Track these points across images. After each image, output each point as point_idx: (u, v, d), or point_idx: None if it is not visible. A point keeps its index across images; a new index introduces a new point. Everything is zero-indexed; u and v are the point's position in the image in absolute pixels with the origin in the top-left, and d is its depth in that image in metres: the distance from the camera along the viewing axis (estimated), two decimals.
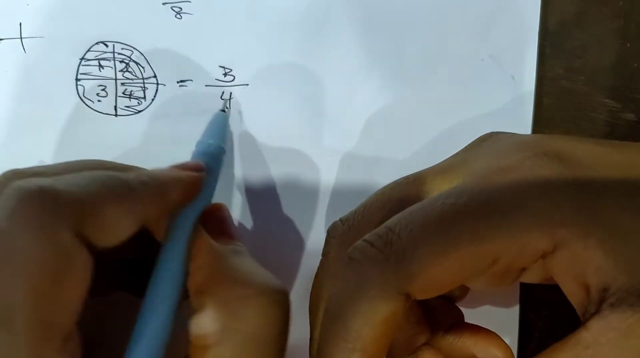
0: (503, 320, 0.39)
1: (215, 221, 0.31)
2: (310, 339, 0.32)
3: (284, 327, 0.28)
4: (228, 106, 0.38)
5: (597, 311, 0.25)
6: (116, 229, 0.26)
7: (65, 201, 0.24)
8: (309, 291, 0.33)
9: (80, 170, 0.28)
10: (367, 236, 0.27)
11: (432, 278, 0.25)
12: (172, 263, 0.29)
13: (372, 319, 0.25)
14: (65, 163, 0.29)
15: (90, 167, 0.28)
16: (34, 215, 0.24)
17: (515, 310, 0.40)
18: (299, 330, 0.39)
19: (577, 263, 0.25)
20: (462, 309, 0.35)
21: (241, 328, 0.27)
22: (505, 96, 0.39)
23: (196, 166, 0.32)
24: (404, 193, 0.31)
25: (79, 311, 0.25)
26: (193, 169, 0.31)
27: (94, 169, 0.28)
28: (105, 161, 0.30)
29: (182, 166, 0.31)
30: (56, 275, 0.24)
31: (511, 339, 0.39)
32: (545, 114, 0.40)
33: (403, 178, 0.32)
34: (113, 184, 0.26)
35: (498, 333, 0.33)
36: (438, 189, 0.30)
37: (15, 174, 0.27)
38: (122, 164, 0.30)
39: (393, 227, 0.26)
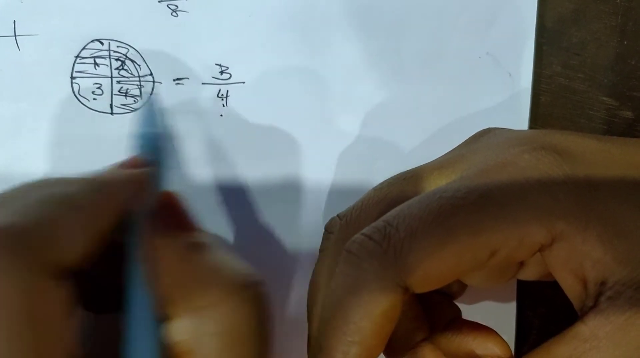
0: (500, 318, 0.39)
1: (170, 213, 0.30)
2: (309, 335, 0.31)
3: (261, 320, 0.28)
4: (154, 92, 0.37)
5: (594, 305, 0.25)
6: (77, 247, 0.24)
7: (19, 237, 0.22)
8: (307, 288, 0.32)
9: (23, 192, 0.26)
10: (365, 230, 0.27)
11: (431, 270, 0.25)
12: (135, 276, 0.27)
13: (371, 312, 0.25)
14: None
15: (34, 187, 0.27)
16: None
17: (513, 308, 0.40)
18: (300, 327, 0.39)
19: (575, 256, 0.25)
20: (460, 308, 0.34)
21: (217, 332, 0.26)
22: (502, 93, 0.39)
23: (139, 161, 0.31)
24: (401, 189, 0.30)
25: (72, 336, 0.24)
26: (137, 166, 0.30)
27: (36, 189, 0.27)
28: (49, 179, 0.28)
29: (126, 164, 0.30)
30: (40, 323, 0.22)
31: (508, 337, 0.39)
32: (543, 112, 0.40)
33: (400, 173, 0.32)
34: (60, 204, 0.25)
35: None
36: (435, 184, 0.30)
37: None
38: (66, 178, 0.28)
39: (391, 221, 0.26)
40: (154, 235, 0.28)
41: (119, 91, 0.38)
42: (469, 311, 0.38)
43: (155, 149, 0.32)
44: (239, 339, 0.27)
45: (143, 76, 0.38)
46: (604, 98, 0.39)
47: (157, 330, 0.27)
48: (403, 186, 0.30)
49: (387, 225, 0.26)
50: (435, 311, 0.33)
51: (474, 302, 0.39)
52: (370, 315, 0.25)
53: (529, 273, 0.33)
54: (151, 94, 0.38)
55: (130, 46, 0.38)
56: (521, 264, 0.33)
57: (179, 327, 0.27)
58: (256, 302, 0.28)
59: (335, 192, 0.39)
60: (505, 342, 0.32)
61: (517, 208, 0.25)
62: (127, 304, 0.27)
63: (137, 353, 0.27)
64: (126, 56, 0.38)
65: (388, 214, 0.27)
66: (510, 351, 0.32)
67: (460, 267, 0.26)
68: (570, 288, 0.26)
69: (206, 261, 0.28)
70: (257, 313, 0.28)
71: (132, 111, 0.38)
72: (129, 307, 0.27)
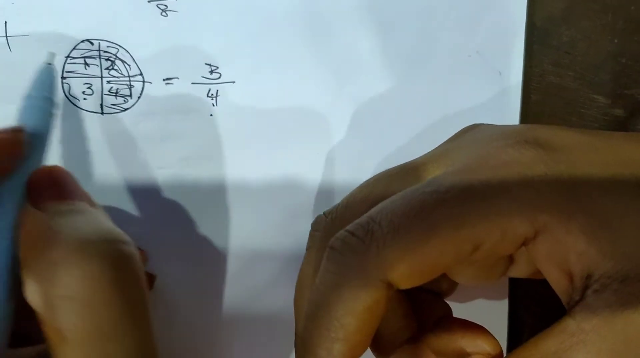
0: (492, 317, 0.39)
1: (48, 186, 0.29)
2: (295, 333, 0.31)
3: (121, 281, 0.26)
4: (53, 61, 0.35)
5: (581, 299, 0.25)
6: None
7: None
8: None
9: None
10: (348, 226, 0.27)
11: (414, 265, 0.25)
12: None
13: (354, 308, 0.25)
14: None
15: None
16: None
17: (505, 306, 0.40)
18: (288, 326, 0.39)
19: (560, 249, 0.25)
20: (452, 306, 0.34)
21: (66, 294, 0.25)
22: (492, 92, 0.39)
23: (16, 128, 0.30)
24: (387, 186, 0.30)
25: None
26: (13, 132, 0.29)
27: None
28: None
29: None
30: None
31: (501, 335, 0.39)
32: (533, 110, 0.40)
33: (386, 170, 0.32)
34: None
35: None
36: (420, 181, 0.30)
37: None
38: None
39: (374, 216, 0.26)
40: (22, 205, 0.27)
41: (109, 91, 0.38)
42: (461, 309, 0.38)
43: (42, 115, 0.32)
44: (93, 302, 0.25)
45: (133, 76, 0.38)
46: (595, 96, 0.39)
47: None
48: (389, 182, 0.30)
49: (370, 220, 0.26)
50: (425, 310, 0.33)
51: (466, 301, 0.39)
52: (353, 311, 0.25)
53: (520, 271, 0.33)
54: (141, 94, 0.38)
55: (120, 45, 0.38)
56: (511, 261, 0.32)
57: (30, 290, 0.26)
58: (114, 262, 0.26)
59: (325, 190, 0.39)
60: (495, 339, 0.32)
61: (499, 201, 0.25)
62: None
63: None
64: (116, 56, 0.38)
65: (372, 210, 0.27)
66: (500, 348, 0.32)
67: (443, 261, 0.26)
68: (557, 282, 0.26)
69: (65, 224, 0.27)
70: (114, 273, 0.26)
71: (123, 110, 0.38)
72: None
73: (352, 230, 0.26)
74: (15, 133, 0.29)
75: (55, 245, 0.26)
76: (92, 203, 0.31)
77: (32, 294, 0.26)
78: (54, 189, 0.29)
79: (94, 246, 0.26)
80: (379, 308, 0.26)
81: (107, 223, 0.28)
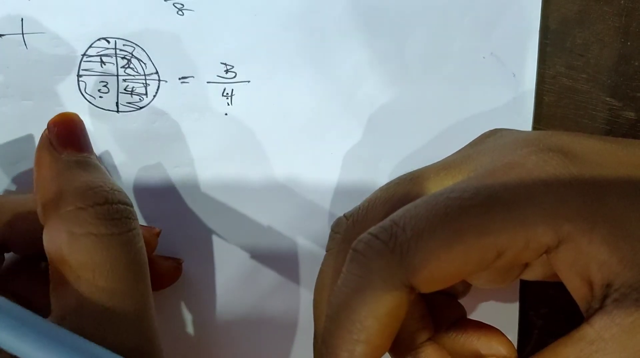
0: (503, 318, 0.40)
1: (66, 134, 0.32)
2: (315, 334, 0.32)
3: (129, 234, 0.30)
4: None
5: (600, 307, 0.25)
6: None
7: None
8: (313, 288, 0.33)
9: None
10: (372, 229, 0.27)
11: (437, 270, 0.25)
12: None
13: (376, 310, 0.25)
14: None
15: None
16: None
17: (515, 307, 0.40)
18: (305, 326, 0.39)
19: (581, 258, 0.25)
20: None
21: (84, 232, 0.28)
22: (506, 94, 0.39)
23: None
24: (407, 189, 0.31)
25: None
26: None
27: None
28: None
29: None
30: None
31: (511, 337, 0.39)
32: (546, 112, 0.40)
33: (406, 174, 0.32)
34: None
35: None
36: (442, 185, 0.30)
37: None
38: None
39: (398, 220, 0.26)
40: (43, 146, 0.31)
41: (124, 89, 0.38)
42: (472, 310, 0.38)
43: None
44: (105, 239, 0.29)
45: (149, 75, 0.38)
46: (607, 99, 0.39)
47: None
48: (409, 186, 0.31)
49: (394, 224, 0.26)
50: (440, 311, 0.33)
51: (477, 302, 0.40)
52: (375, 314, 0.26)
53: (533, 274, 0.33)
54: (157, 92, 0.38)
55: (136, 44, 0.38)
56: (526, 265, 0.33)
57: (51, 233, 0.29)
58: (122, 217, 0.30)
59: (340, 192, 0.39)
60: (510, 342, 0.32)
61: (524, 210, 0.26)
62: None
63: None
64: (132, 54, 0.38)
65: (395, 214, 0.27)
66: (515, 351, 0.32)
67: (466, 268, 0.26)
68: (577, 290, 0.26)
69: (82, 175, 0.30)
70: (124, 226, 0.30)
71: (138, 109, 0.38)
72: None
73: (376, 233, 0.26)
74: None
75: (77, 194, 0.29)
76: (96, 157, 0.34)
77: (52, 237, 0.29)
78: (72, 138, 0.32)
79: (107, 202, 0.30)
80: (401, 311, 0.26)
81: (112, 182, 0.31)
